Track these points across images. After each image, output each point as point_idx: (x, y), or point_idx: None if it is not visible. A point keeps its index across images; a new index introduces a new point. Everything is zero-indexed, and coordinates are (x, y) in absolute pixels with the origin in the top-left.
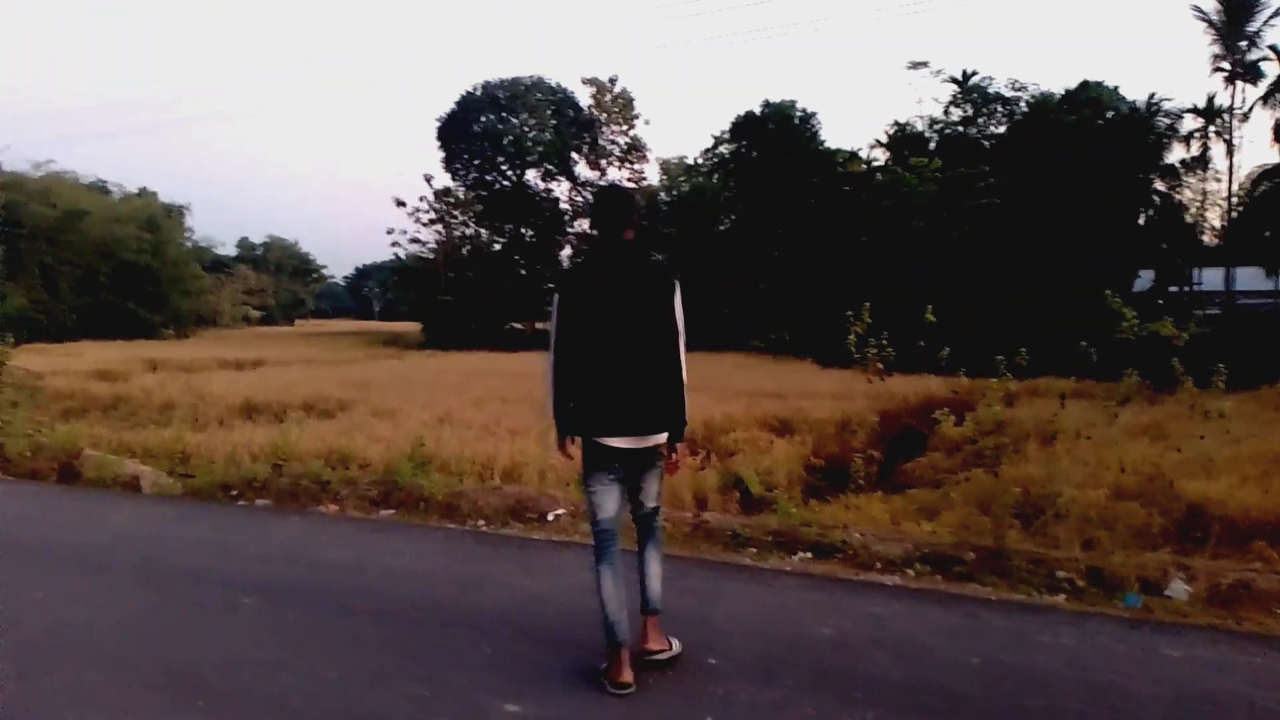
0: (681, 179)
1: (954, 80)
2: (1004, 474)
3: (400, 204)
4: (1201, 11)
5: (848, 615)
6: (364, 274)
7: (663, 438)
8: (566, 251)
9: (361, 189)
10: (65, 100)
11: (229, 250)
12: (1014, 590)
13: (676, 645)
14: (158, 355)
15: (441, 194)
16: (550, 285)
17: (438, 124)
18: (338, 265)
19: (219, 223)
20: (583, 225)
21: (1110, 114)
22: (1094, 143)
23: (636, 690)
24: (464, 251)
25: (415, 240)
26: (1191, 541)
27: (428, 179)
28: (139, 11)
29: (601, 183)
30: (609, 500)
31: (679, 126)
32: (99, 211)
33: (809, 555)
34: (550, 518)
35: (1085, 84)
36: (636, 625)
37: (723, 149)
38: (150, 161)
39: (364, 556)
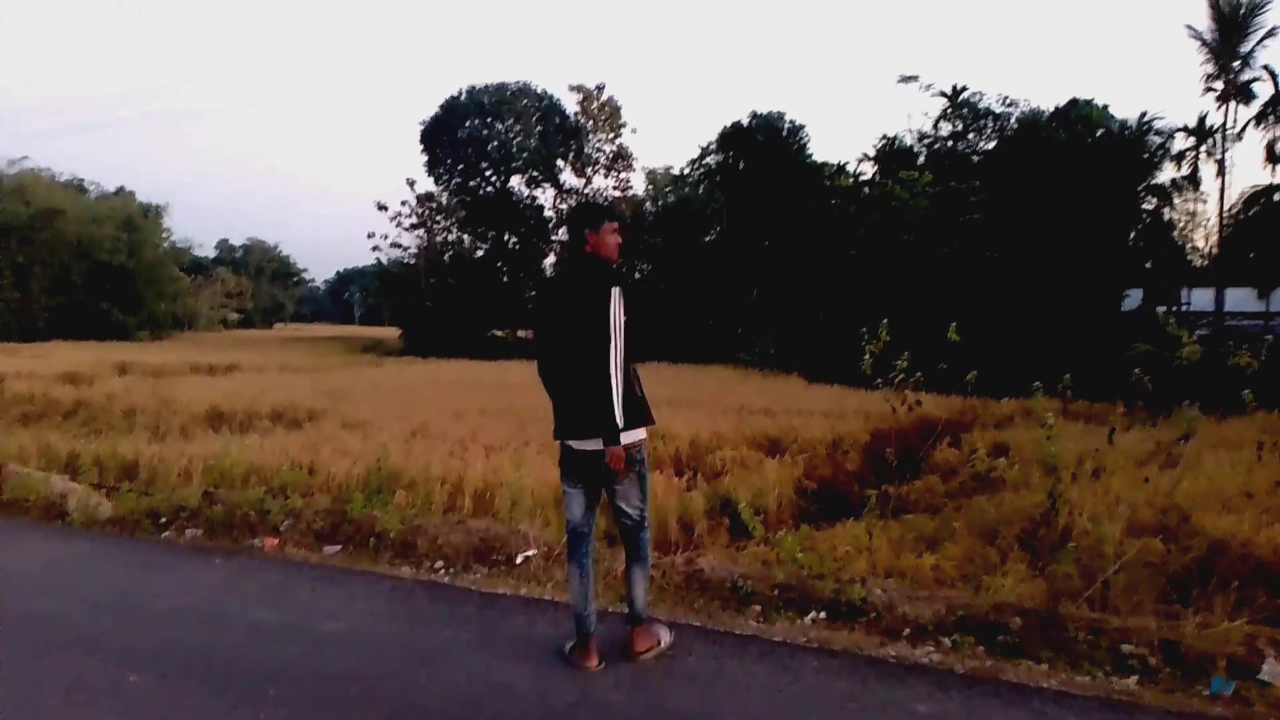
0: (668, 189)
1: (944, 95)
2: (1006, 501)
3: (382, 208)
4: (1195, 30)
5: (890, 717)
6: (346, 279)
7: (625, 440)
8: (550, 260)
9: (344, 192)
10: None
11: (208, 252)
12: (1075, 669)
13: (666, 637)
14: (129, 358)
15: (424, 199)
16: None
17: (421, 127)
18: (319, 269)
19: (198, 224)
20: (565, 233)
21: (1100, 132)
22: (1084, 160)
23: None
24: (446, 258)
25: (396, 245)
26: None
27: (410, 183)
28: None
29: (586, 191)
30: (575, 504)
31: (666, 136)
32: (74, 210)
33: (823, 616)
34: (519, 560)
35: (1075, 101)
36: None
37: (710, 159)
38: (129, 160)
39: (292, 617)
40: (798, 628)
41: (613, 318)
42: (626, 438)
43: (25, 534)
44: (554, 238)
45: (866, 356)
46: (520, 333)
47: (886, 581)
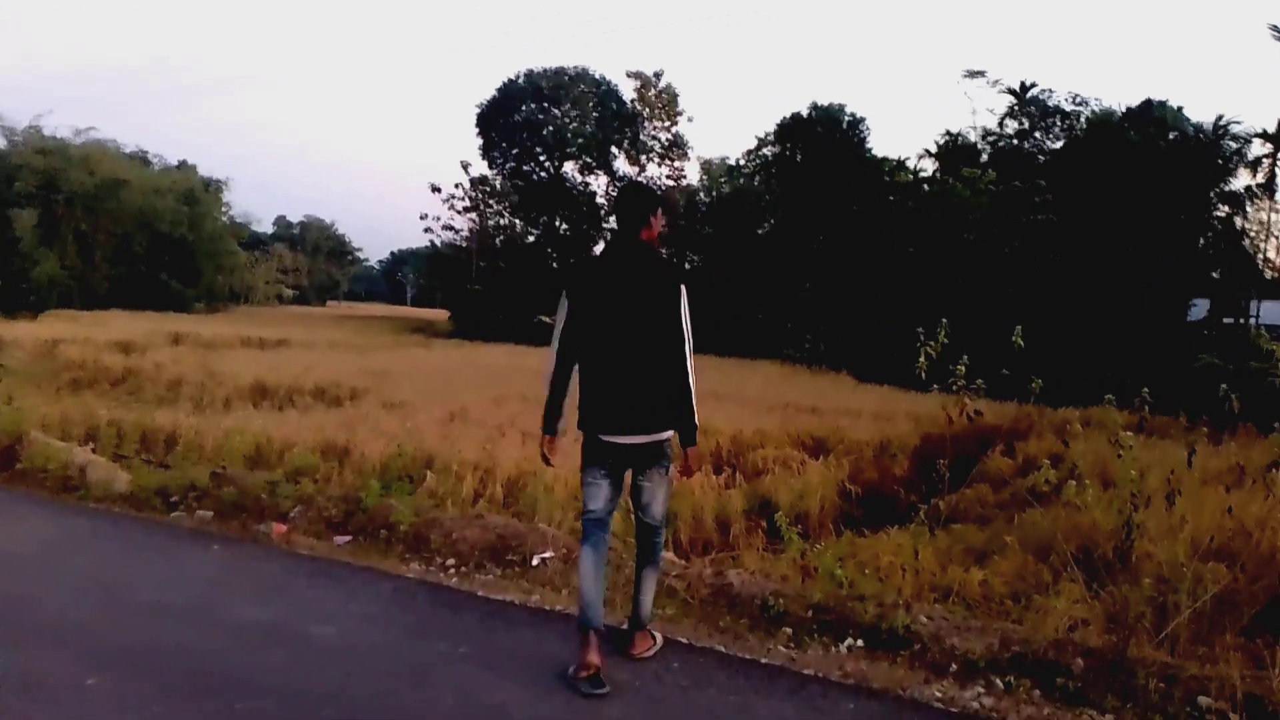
0: (722, 179)
1: (1011, 91)
2: (1062, 516)
3: (435, 189)
4: (1278, 30)
5: None
6: (399, 259)
7: (664, 435)
8: (600, 247)
9: (401, 174)
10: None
11: (266, 228)
12: None
13: (659, 638)
14: (183, 329)
15: (478, 182)
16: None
17: (478, 111)
18: (374, 249)
19: (258, 200)
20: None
21: (1174, 135)
22: (1156, 164)
23: None
24: (497, 241)
25: (449, 227)
26: None
27: (465, 166)
28: None
29: (640, 178)
30: (599, 494)
31: (723, 126)
32: (138, 182)
33: (861, 644)
34: (535, 562)
35: (1149, 103)
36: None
37: (767, 150)
38: (191, 134)
39: (282, 617)
40: (832, 658)
41: (684, 317)
42: (663, 434)
43: (30, 508)
44: (605, 224)
45: (922, 359)
46: None
47: (934, 608)
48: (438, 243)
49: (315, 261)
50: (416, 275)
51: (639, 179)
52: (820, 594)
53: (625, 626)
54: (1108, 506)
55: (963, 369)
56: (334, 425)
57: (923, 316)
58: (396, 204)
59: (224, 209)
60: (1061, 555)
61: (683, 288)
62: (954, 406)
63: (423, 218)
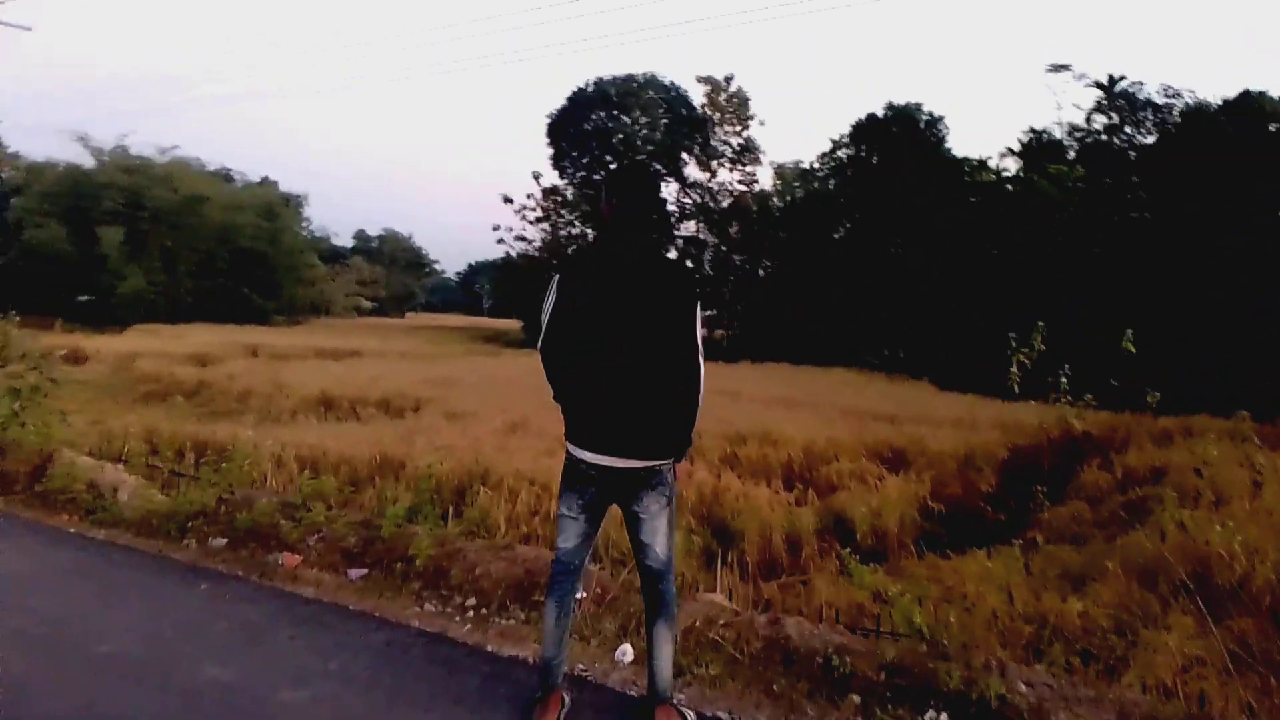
0: (796, 184)
1: (1099, 85)
2: (1170, 537)
3: (508, 200)
4: None
5: None
6: (476, 270)
7: (661, 462)
8: (672, 254)
9: (477, 186)
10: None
11: (346, 242)
12: None
13: (691, 716)
14: (260, 341)
15: (549, 192)
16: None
17: (548, 120)
18: (452, 261)
19: (339, 215)
20: (689, 228)
21: (1275, 126)
22: (1257, 156)
23: None
24: (569, 251)
25: (521, 238)
26: None
27: (536, 177)
28: None
29: (711, 184)
30: (572, 531)
31: (797, 129)
32: (219, 198)
33: (945, 718)
34: None
35: (1247, 93)
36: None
37: (841, 153)
38: (270, 150)
39: (249, 677)
40: None
41: (698, 333)
42: (659, 461)
43: (18, 537)
44: (676, 231)
45: (1014, 368)
46: None
47: (1033, 670)
48: (511, 253)
49: (393, 274)
50: (491, 286)
51: (710, 187)
52: (895, 652)
53: (645, 696)
54: (1221, 526)
55: (1065, 382)
56: (392, 437)
57: (1007, 321)
58: (473, 216)
59: (304, 223)
60: (1171, 582)
61: (697, 293)
62: (1049, 417)
63: (495, 229)
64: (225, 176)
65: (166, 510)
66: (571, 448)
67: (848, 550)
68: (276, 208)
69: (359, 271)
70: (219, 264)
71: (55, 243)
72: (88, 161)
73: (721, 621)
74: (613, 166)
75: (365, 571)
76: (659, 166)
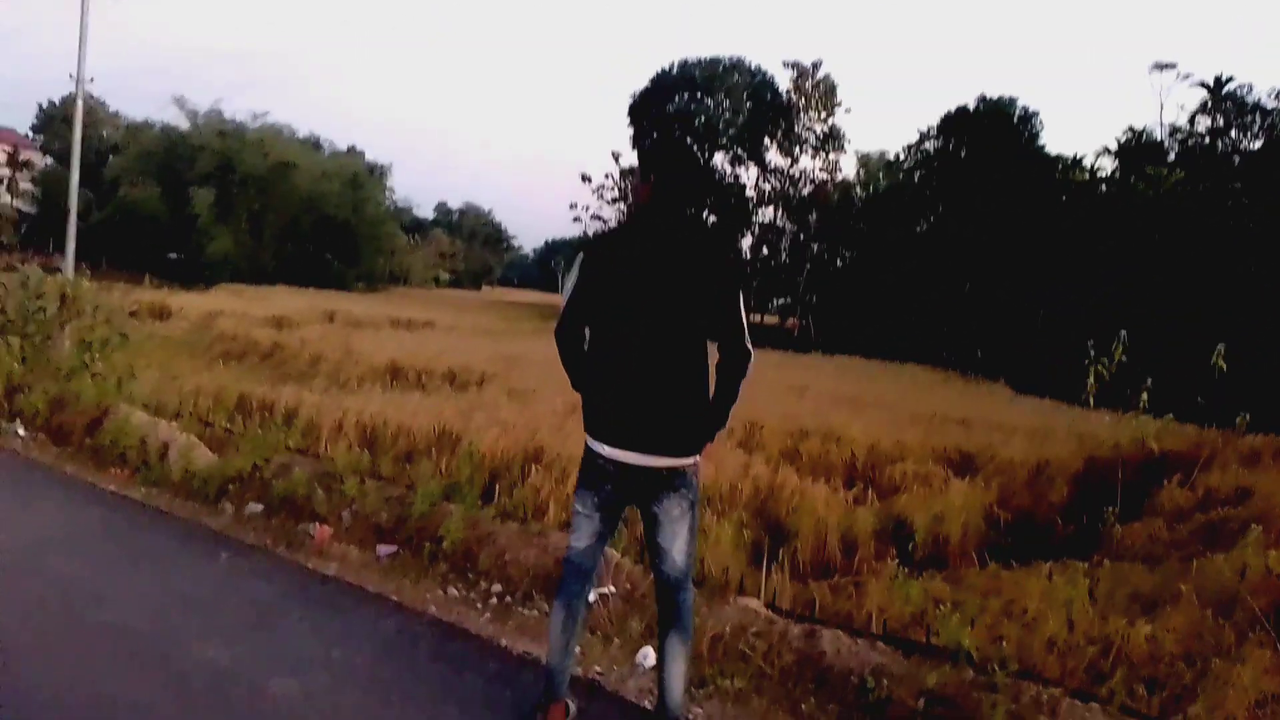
0: (880, 174)
1: (1205, 86)
2: (1250, 564)
3: (586, 179)
4: None
5: None
6: (553, 248)
7: (686, 460)
8: (748, 240)
9: (557, 164)
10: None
11: (427, 213)
12: None
13: None
14: (338, 307)
15: (627, 173)
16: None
17: (631, 101)
18: (530, 238)
19: (420, 187)
20: (766, 214)
21: None
22: None
23: None
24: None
25: (597, 217)
26: None
27: (615, 157)
28: None
29: (792, 171)
30: (586, 529)
31: (884, 119)
32: (306, 166)
33: None
34: (591, 599)
35: None
36: None
37: (929, 145)
38: (361, 121)
39: (246, 662)
40: None
41: (743, 317)
42: (685, 460)
43: (59, 492)
44: (755, 217)
45: (1091, 379)
46: None
47: (1088, 708)
48: (588, 232)
49: (472, 247)
50: (567, 263)
51: (791, 174)
52: (938, 677)
53: (653, 709)
54: None
55: (1146, 395)
56: (453, 411)
57: (1092, 326)
58: (553, 194)
59: (388, 193)
60: (1248, 612)
61: (739, 273)
62: (1127, 429)
63: (572, 207)
64: (314, 144)
65: (206, 473)
66: (590, 441)
67: (903, 556)
68: (361, 177)
69: (439, 243)
70: (304, 229)
71: (149, 201)
72: (183, 124)
73: (753, 630)
74: (650, 141)
75: (394, 550)
76: (740, 151)
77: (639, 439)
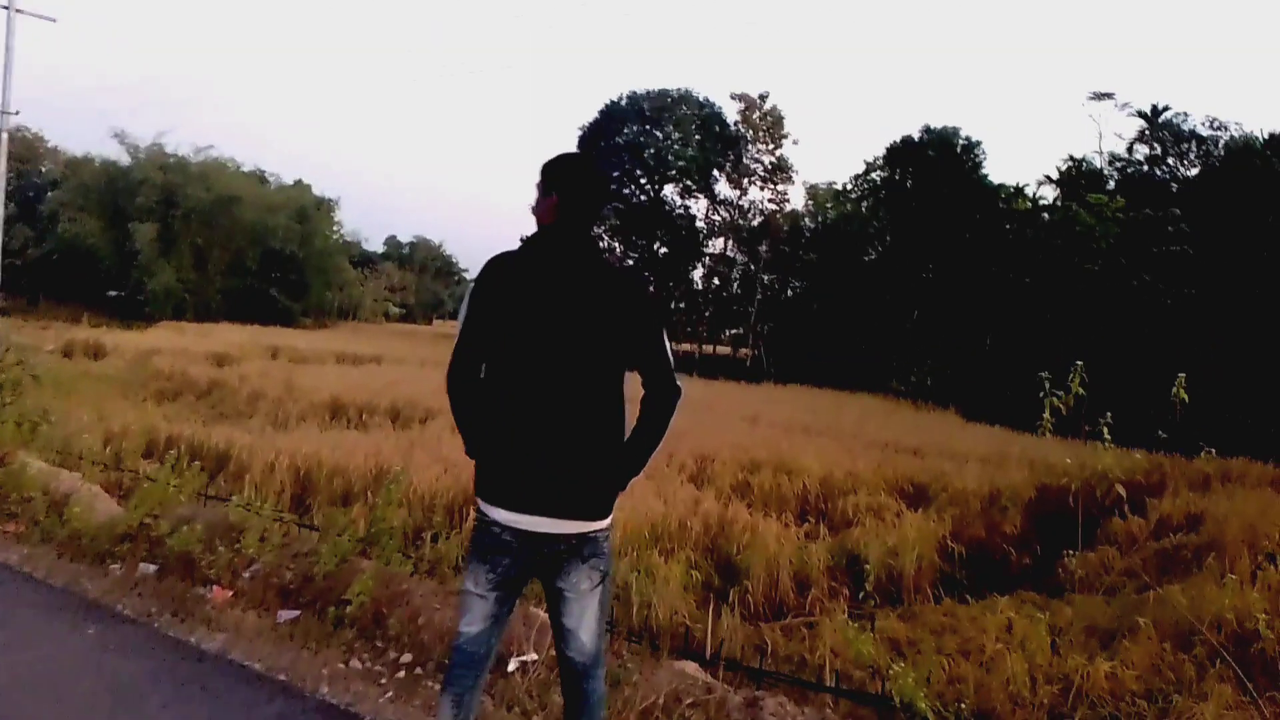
0: (828, 205)
1: (1142, 115)
2: (1207, 594)
3: (535, 211)
4: None
5: None
6: None
7: (598, 525)
8: (699, 272)
9: (507, 195)
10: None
11: (376, 246)
12: None
13: None
14: (283, 343)
15: None
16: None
17: (579, 133)
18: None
19: (368, 220)
20: (717, 245)
21: None
22: None
23: None
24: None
25: None
26: None
27: None
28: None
29: (741, 202)
30: (478, 611)
31: (830, 150)
32: (251, 198)
33: None
34: (512, 667)
35: None
36: None
37: (875, 175)
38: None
39: None
40: None
41: (669, 353)
42: (600, 523)
43: None
44: (705, 248)
45: (1047, 413)
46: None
47: None
48: None
49: (422, 280)
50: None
51: (740, 205)
52: None
53: None
54: (1261, 591)
55: (1106, 430)
56: (392, 449)
57: (1041, 352)
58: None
59: (335, 227)
60: (1208, 645)
61: (657, 308)
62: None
63: (523, 240)
64: (260, 177)
65: (94, 529)
66: (482, 505)
67: (857, 592)
68: (309, 210)
69: (389, 277)
70: (249, 264)
71: (89, 237)
72: (124, 159)
73: (689, 700)
74: (552, 157)
75: (297, 614)
76: (689, 182)
77: (544, 501)
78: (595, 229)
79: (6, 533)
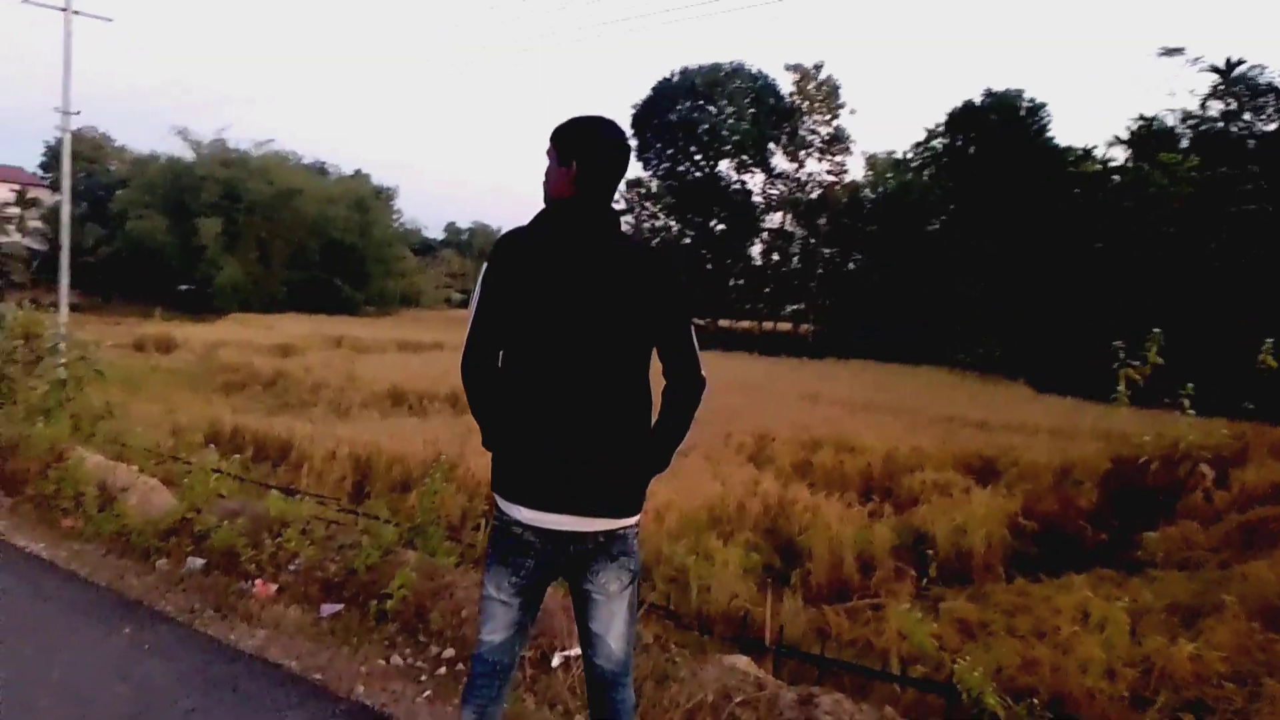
0: (888, 174)
1: (1215, 70)
2: None
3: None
4: None
5: None
6: None
7: (627, 522)
8: (757, 248)
9: None
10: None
11: (436, 234)
12: None
13: None
14: (346, 332)
15: (633, 184)
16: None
17: (633, 112)
18: None
19: (428, 208)
20: (775, 219)
21: None
22: None
23: None
24: (653, 244)
25: None
26: None
27: None
28: None
29: (799, 175)
30: (501, 616)
31: (889, 118)
32: (312, 191)
33: None
34: (556, 662)
35: None
36: None
37: (936, 143)
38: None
39: None
40: None
41: (694, 342)
42: (627, 520)
43: None
44: (761, 223)
45: (1122, 385)
46: (721, 321)
47: None
48: None
49: (482, 266)
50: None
51: (798, 178)
52: None
53: None
54: None
55: (1188, 401)
56: (449, 436)
57: (1113, 319)
58: None
59: (394, 216)
60: None
61: (686, 290)
62: (1157, 425)
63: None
64: (319, 170)
65: (140, 525)
66: (502, 504)
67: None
68: (368, 200)
69: (449, 264)
70: (312, 255)
71: (156, 233)
72: (188, 155)
73: (738, 699)
74: (565, 120)
75: (339, 609)
76: (745, 157)
77: (570, 497)
78: (650, 207)
79: (66, 527)
